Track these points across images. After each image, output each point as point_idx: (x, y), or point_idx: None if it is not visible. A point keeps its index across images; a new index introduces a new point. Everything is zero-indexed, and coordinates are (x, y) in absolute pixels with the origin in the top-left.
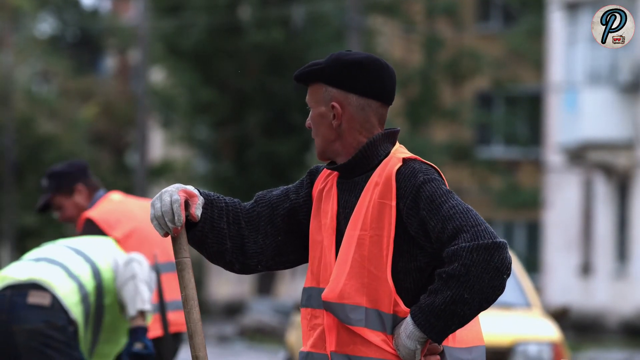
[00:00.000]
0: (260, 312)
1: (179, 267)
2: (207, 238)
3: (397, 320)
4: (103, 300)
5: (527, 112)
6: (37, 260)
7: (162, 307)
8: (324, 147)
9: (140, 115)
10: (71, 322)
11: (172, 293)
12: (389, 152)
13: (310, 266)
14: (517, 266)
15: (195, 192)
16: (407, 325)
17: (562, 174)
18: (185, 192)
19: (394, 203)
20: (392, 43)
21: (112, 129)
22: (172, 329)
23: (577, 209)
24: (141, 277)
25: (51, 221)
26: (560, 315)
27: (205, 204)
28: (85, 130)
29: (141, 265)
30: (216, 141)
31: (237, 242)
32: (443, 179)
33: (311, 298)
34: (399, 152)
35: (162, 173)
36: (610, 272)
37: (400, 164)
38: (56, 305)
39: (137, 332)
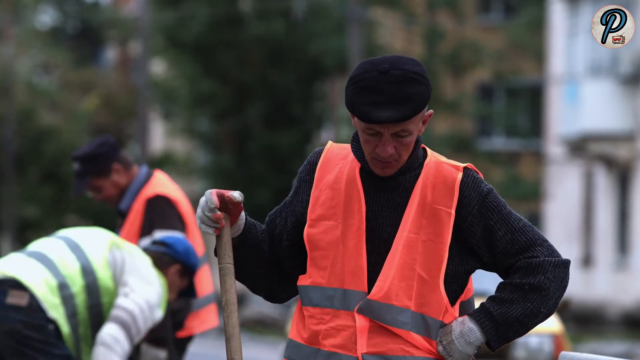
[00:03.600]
0: (260, 304)
1: (222, 272)
2: (247, 257)
3: (442, 327)
4: (100, 299)
5: (528, 103)
6: (30, 255)
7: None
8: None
9: (141, 107)
10: (50, 320)
11: (203, 289)
12: (422, 151)
13: (324, 264)
14: None
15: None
16: (472, 332)
17: (563, 166)
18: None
19: (454, 211)
20: (393, 35)
21: (113, 121)
22: (204, 326)
23: (578, 201)
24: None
25: (52, 212)
26: (561, 307)
27: (249, 225)
28: (86, 122)
29: (108, 349)
30: (217, 133)
31: (274, 267)
32: None
33: (333, 299)
34: (435, 154)
35: (163, 165)
36: (610, 264)
37: (461, 173)
38: (34, 304)
39: None
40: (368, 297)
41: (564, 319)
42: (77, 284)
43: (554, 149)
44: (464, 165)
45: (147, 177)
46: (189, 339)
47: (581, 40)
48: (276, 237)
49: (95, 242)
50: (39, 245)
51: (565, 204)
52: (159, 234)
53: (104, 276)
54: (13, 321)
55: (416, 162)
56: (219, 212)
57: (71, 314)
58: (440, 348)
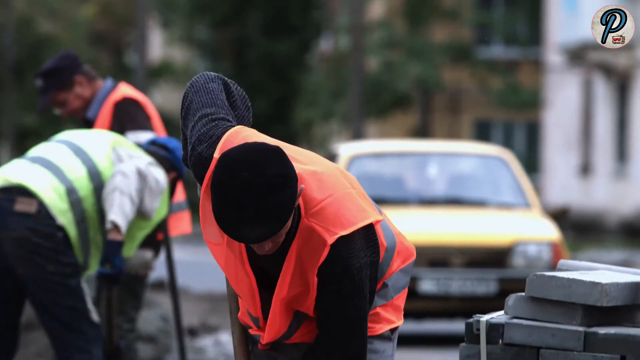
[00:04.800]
0: None
1: None
2: None
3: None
4: None
5: (527, 11)
6: (33, 161)
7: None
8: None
9: (140, 15)
10: (59, 228)
11: (176, 196)
12: (296, 211)
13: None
14: (516, 166)
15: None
16: None
17: (562, 74)
18: None
19: (315, 273)
20: None
21: (112, 29)
22: (175, 232)
23: (577, 109)
24: (123, 189)
25: (51, 120)
26: (560, 216)
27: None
28: (84, 30)
29: (125, 177)
30: (216, 41)
31: None
32: (373, 252)
33: (254, 321)
34: (310, 211)
35: (162, 74)
36: (609, 172)
37: (327, 250)
38: (42, 211)
39: (109, 247)
40: (259, 346)
41: (562, 227)
42: (84, 188)
43: (553, 57)
44: (335, 238)
45: (113, 87)
46: (159, 242)
47: None
48: None
49: (98, 144)
50: (41, 150)
51: (565, 113)
52: (131, 135)
53: (110, 177)
54: (22, 229)
55: (291, 230)
56: None
57: (80, 219)
58: None
